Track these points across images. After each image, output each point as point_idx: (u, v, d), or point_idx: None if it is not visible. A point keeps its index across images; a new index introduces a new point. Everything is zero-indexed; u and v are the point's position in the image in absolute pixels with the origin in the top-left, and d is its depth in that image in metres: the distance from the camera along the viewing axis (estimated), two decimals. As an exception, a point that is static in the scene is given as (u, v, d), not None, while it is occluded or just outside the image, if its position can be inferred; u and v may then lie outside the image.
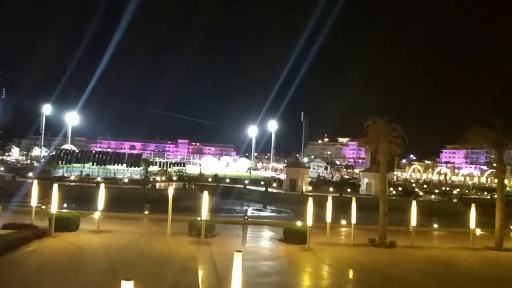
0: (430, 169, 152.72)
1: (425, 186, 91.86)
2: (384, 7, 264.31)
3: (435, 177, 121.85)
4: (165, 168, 72.19)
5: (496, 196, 26.35)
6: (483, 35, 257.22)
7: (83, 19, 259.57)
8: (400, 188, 73.17)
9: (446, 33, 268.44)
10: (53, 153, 74.81)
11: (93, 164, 63.56)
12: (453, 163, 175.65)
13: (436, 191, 79.50)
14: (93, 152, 74.50)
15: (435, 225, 31.46)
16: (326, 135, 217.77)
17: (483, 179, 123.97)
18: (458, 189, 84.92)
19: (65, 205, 28.25)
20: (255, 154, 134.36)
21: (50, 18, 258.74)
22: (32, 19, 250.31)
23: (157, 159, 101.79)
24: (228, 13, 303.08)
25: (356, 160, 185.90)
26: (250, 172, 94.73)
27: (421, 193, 69.56)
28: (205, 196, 20.22)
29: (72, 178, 57.13)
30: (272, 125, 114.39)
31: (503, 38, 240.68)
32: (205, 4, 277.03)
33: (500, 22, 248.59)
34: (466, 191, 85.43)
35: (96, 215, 21.84)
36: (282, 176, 74.44)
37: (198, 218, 20.62)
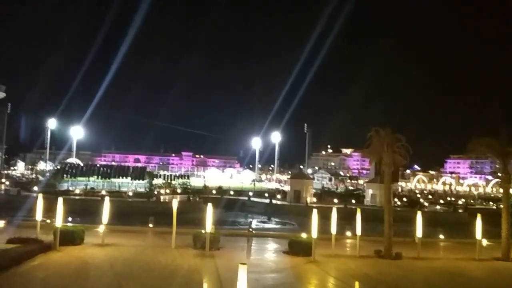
0: (434, 180, 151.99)
1: (430, 196, 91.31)
2: (386, 19, 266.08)
3: (440, 187, 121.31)
4: (169, 181, 72.27)
5: (501, 206, 26.19)
6: (487, 44, 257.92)
7: (88, 33, 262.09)
8: (405, 199, 72.83)
9: (449, 43, 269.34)
10: (58, 167, 75.08)
11: (97, 178, 63.73)
12: (458, 173, 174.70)
13: (441, 201, 79.03)
14: (98, 165, 74.75)
15: (441, 236, 31.24)
16: (329, 146, 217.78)
17: (488, 189, 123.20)
18: (463, 199, 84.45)
19: (70, 219, 28.26)
20: (259, 166, 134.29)
21: (55, 32, 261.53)
22: (38, 34, 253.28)
23: (162, 172, 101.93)
24: (233, 26, 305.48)
25: (360, 171, 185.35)
26: (254, 184, 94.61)
27: (426, 204, 69.16)
28: (210, 209, 20.23)
29: (77, 191, 57.24)
30: (276, 137, 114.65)
31: (508, 47, 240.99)
32: (210, 18, 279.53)
33: (505, 31, 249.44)
34: (471, 201, 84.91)
35: (101, 228, 21.86)
36: (286, 188, 74.30)
37: (203, 231, 20.61)
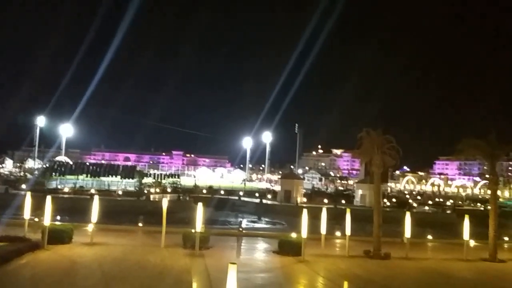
0: (423, 181, 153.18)
1: (418, 197, 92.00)
2: (378, 20, 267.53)
3: (428, 188, 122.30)
4: (159, 180, 71.95)
5: (489, 207, 26.49)
6: (479, 46, 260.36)
7: (79, 30, 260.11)
8: (394, 200, 73.20)
9: (440, 45, 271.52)
10: (47, 165, 74.47)
11: (87, 176, 63.28)
12: (447, 174, 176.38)
13: (430, 202, 79.62)
14: (87, 164, 74.38)
15: (429, 237, 31.49)
16: (320, 146, 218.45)
17: (476, 190, 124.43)
18: (451, 200, 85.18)
19: (58, 217, 27.98)
20: (250, 165, 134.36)
21: (45, 29, 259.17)
22: (27, 31, 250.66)
23: (152, 171, 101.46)
24: (224, 25, 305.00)
25: (350, 171, 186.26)
26: (244, 183, 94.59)
27: (415, 205, 69.65)
28: (200, 208, 20.19)
29: (66, 190, 56.72)
30: (267, 137, 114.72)
31: (500, 49, 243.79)
32: (202, 16, 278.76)
33: (498, 33, 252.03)
34: (460, 202, 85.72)
35: (90, 227, 21.71)
36: (277, 188, 74.41)
37: (193, 230, 20.56)
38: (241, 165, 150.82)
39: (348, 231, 22.57)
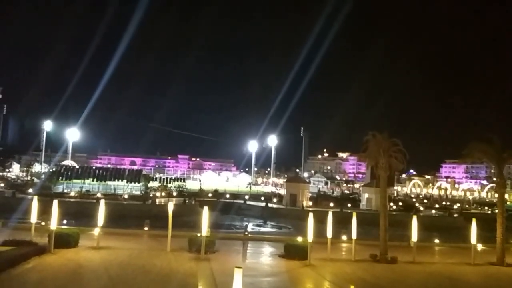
0: (430, 184, 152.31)
1: (425, 201, 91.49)
2: (384, 23, 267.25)
3: (435, 192, 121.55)
4: (165, 184, 71.99)
5: (496, 210, 26.29)
6: (483, 49, 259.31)
7: (85, 35, 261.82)
8: (400, 203, 72.79)
9: (446, 48, 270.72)
10: (54, 169, 74.78)
11: (93, 180, 63.48)
12: (453, 178, 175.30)
13: (437, 206, 79.14)
14: (94, 168, 74.38)
15: (436, 240, 31.29)
16: (325, 150, 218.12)
17: (483, 194, 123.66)
18: (458, 204, 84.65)
19: (65, 221, 28.13)
20: (255, 169, 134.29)
21: (52, 34, 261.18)
22: (34, 36, 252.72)
23: (157, 175, 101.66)
24: (229, 29, 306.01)
25: (356, 175, 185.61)
26: (250, 187, 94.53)
27: (421, 208, 69.16)
28: (205, 212, 20.21)
29: (72, 194, 56.96)
30: (272, 140, 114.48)
31: (504, 52, 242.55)
32: (206, 21, 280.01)
33: (502, 35, 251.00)
34: (467, 206, 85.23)
35: (96, 231, 21.77)
36: (283, 191, 74.31)
37: (198, 234, 20.58)
38: (247, 169, 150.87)
39: (354, 235, 22.49)
